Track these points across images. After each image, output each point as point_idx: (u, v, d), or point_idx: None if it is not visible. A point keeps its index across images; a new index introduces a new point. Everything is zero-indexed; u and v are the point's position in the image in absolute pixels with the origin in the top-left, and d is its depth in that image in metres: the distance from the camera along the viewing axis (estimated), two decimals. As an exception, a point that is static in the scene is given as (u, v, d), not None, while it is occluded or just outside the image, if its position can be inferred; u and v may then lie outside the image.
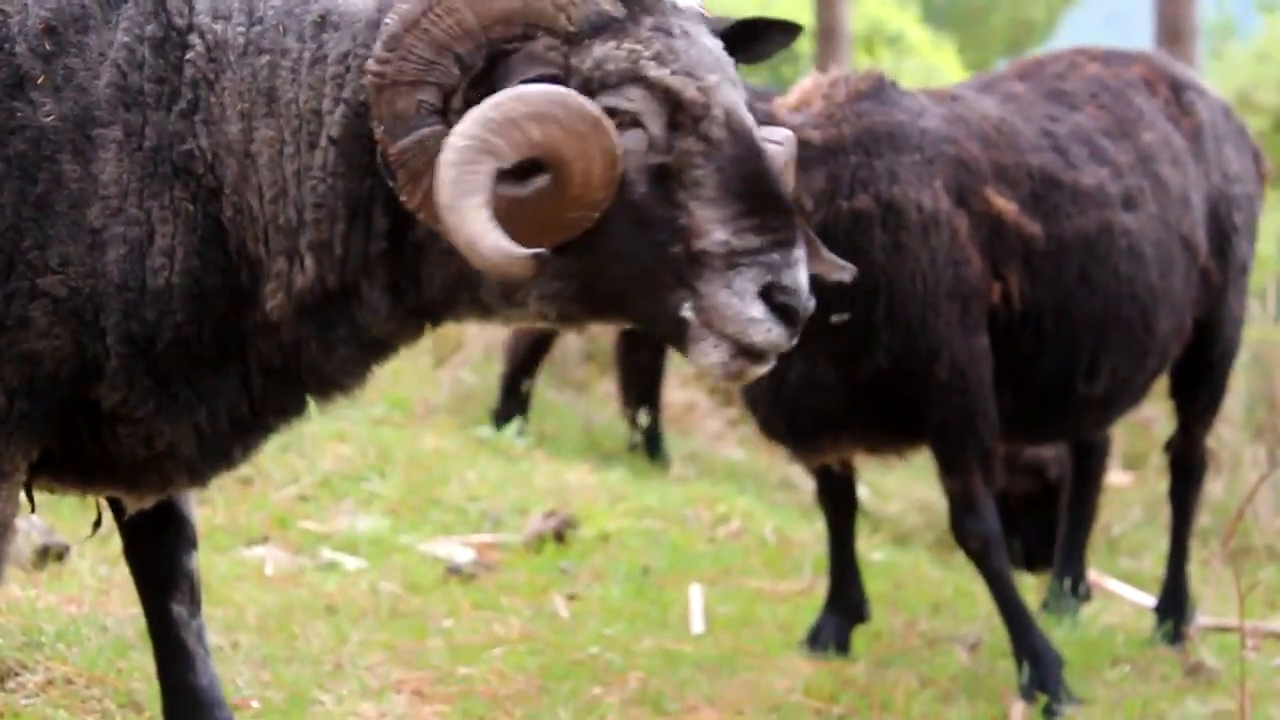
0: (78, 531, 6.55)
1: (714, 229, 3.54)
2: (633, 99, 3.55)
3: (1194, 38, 16.92)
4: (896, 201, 5.78)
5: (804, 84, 6.08)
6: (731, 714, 5.49)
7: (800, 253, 3.57)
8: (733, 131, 3.58)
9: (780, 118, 5.76)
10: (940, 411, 5.87)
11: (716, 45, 3.69)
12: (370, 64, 3.56)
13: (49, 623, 5.64)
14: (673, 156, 3.56)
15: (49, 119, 3.78)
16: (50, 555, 6.66)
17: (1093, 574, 7.28)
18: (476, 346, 11.73)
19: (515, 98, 3.46)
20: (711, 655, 6.13)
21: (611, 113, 3.50)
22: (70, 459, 4.02)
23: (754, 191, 3.58)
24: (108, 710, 5.07)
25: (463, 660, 5.77)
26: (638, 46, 3.55)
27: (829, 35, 20.03)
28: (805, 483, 10.39)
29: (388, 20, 3.56)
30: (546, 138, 3.46)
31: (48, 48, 3.81)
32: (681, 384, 12.80)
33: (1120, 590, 7.63)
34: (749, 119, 3.63)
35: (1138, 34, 17.89)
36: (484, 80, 3.56)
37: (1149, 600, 7.36)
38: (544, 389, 11.31)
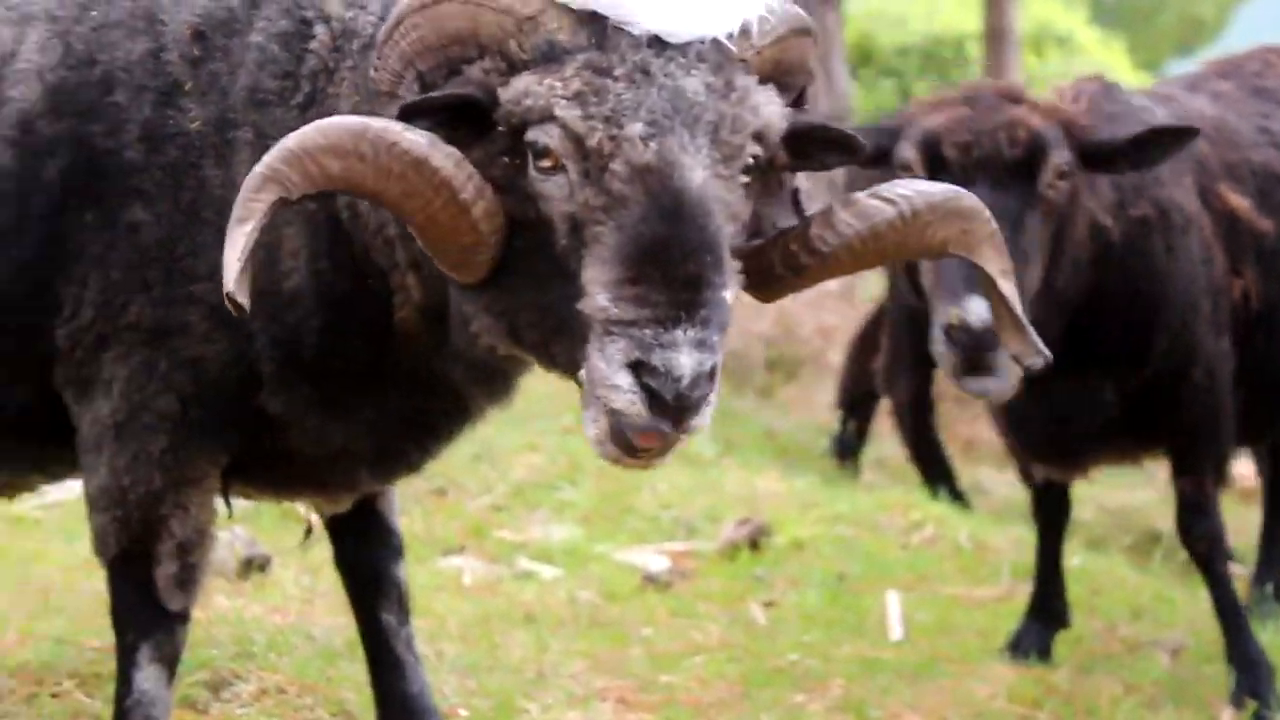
0: (279, 543, 6.69)
1: (596, 292, 3.18)
2: (551, 137, 3.24)
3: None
4: (1166, 205, 5.61)
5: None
6: (936, 719, 5.48)
7: (686, 335, 3.10)
8: (646, 190, 3.19)
9: None
10: (1189, 413, 5.78)
11: (695, 89, 3.27)
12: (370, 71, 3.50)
13: (258, 632, 5.74)
14: (577, 207, 3.24)
15: (195, 124, 3.86)
16: (254, 566, 6.78)
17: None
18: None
19: (316, 129, 3.28)
20: (911, 662, 6.10)
21: (535, 149, 3.26)
22: (257, 465, 4.11)
23: (647, 259, 3.15)
24: (320, 718, 5.17)
25: (663, 668, 5.79)
26: (557, 83, 3.23)
27: (997, 37, 19.79)
28: (997, 488, 10.35)
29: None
30: (349, 173, 3.28)
31: (196, 53, 3.89)
32: (863, 390, 12.75)
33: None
34: (687, 180, 3.19)
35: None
36: None
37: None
38: (727, 397, 11.32)
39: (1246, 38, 6.96)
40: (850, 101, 16.26)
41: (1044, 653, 6.23)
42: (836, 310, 13.13)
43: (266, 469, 4.15)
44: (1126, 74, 26.67)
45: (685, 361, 3.10)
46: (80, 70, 3.94)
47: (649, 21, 3.24)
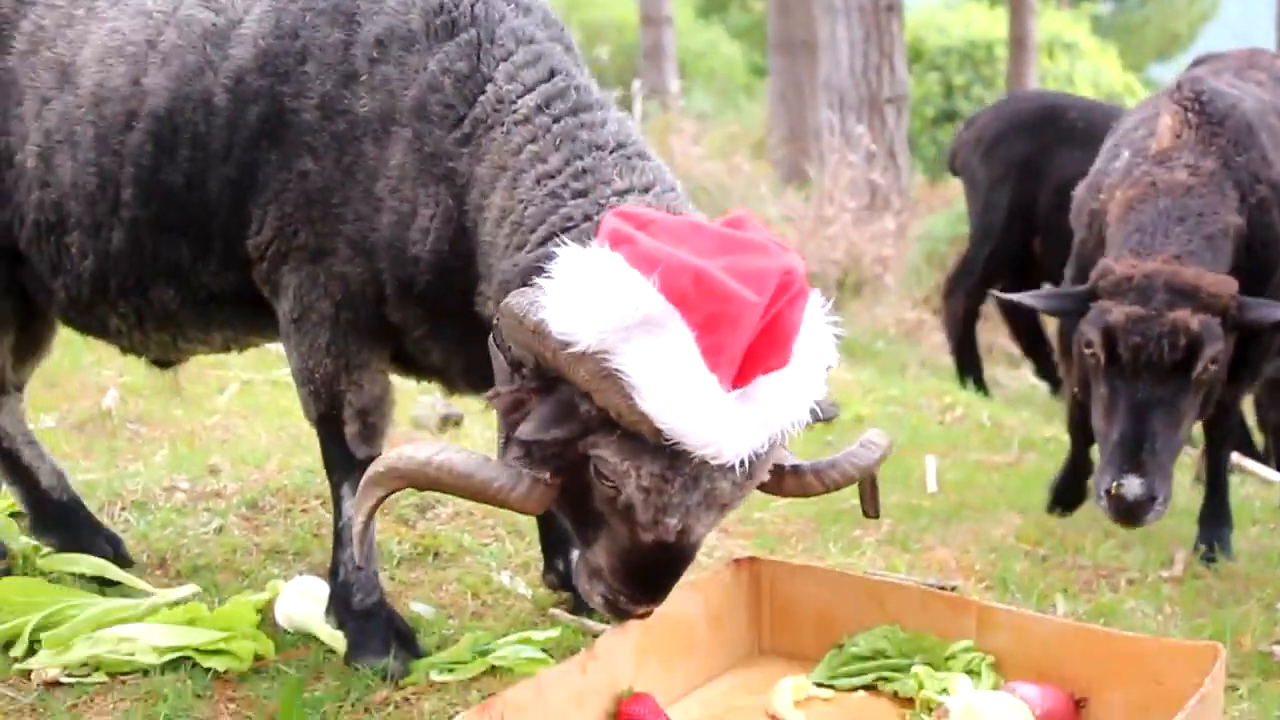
0: (469, 405, 6.71)
1: (600, 556, 3.43)
2: (616, 487, 3.29)
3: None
4: (1276, 180, 5.14)
5: (1162, 129, 5.20)
6: (960, 552, 5.41)
7: (645, 608, 3.48)
8: (660, 547, 3.33)
9: (1165, 153, 5.11)
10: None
11: (724, 489, 3.28)
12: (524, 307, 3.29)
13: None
14: (616, 515, 3.34)
15: (364, 109, 3.82)
16: (449, 421, 6.82)
17: (1234, 456, 6.93)
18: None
19: (398, 458, 3.31)
20: (943, 508, 6.04)
21: (600, 475, 3.29)
22: (404, 360, 4.11)
23: (639, 575, 3.40)
24: (499, 535, 5.19)
25: (756, 508, 5.75)
26: (632, 473, 3.23)
27: (1019, 43, 19.44)
28: (1010, 382, 10.24)
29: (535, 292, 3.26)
30: (425, 481, 3.31)
31: (374, 55, 3.83)
32: (912, 306, 12.65)
33: (1255, 468, 7.28)
34: (689, 541, 3.35)
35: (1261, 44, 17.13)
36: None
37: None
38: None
39: (1213, 49, 6.64)
40: (906, 88, 15.97)
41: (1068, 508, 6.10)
42: (893, 245, 13.02)
43: (412, 364, 4.14)
44: (1119, 75, 26.18)
45: (640, 614, 3.53)
46: (285, 41, 3.93)
47: (705, 450, 3.19)
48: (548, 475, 3.32)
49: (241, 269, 4.05)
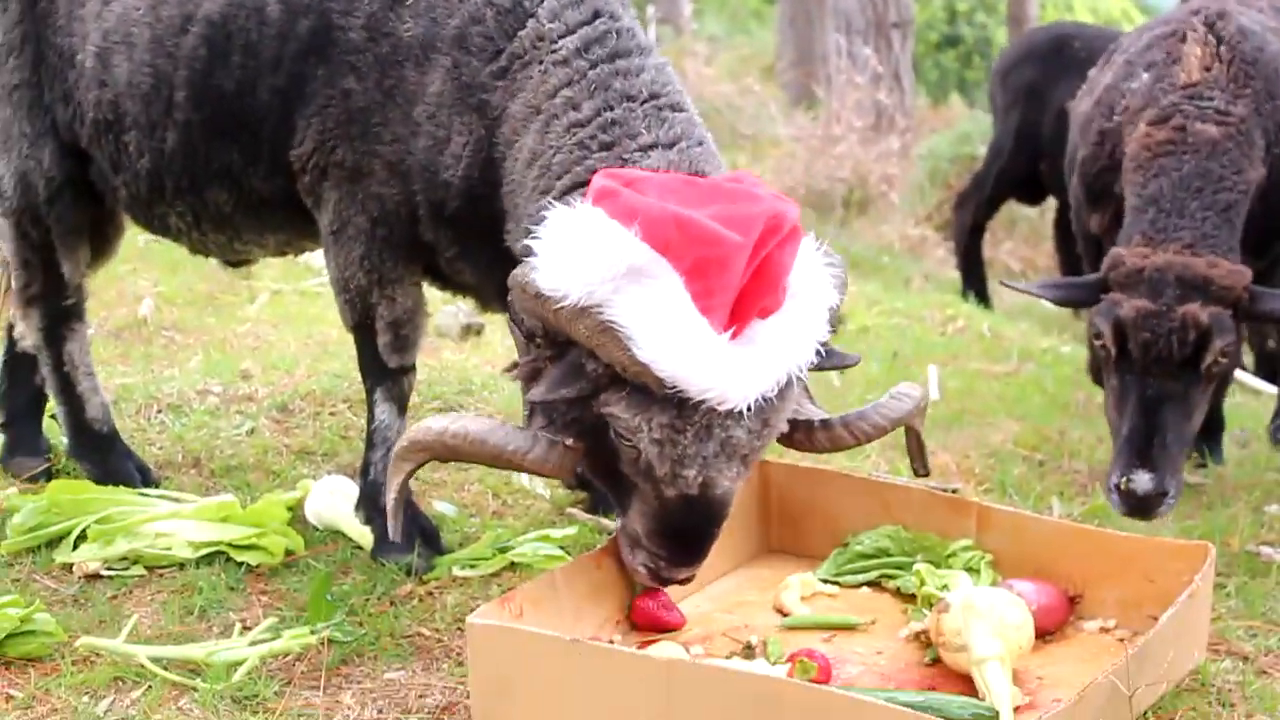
0: (490, 316, 6.68)
1: (635, 522, 3.39)
2: (633, 443, 3.24)
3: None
4: None
5: (1188, 58, 4.84)
6: (960, 457, 5.39)
7: (685, 570, 3.43)
8: (687, 502, 3.28)
9: (1195, 88, 4.76)
10: None
11: (739, 437, 3.23)
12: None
13: (475, 376, 5.76)
14: (641, 476, 3.30)
15: (408, 34, 3.75)
16: (471, 331, 6.80)
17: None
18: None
19: (421, 431, 3.34)
20: (945, 416, 6.01)
21: (618, 432, 3.25)
22: (439, 275, 4.08)
23: (674, 535, 3.36)
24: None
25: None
26: (644, 425, 3.19)
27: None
28: (1010, 294, 10.18)
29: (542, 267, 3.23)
30: (447, 450, 3.34)
31: None
32: (915, 223, 12.57)
33: (1244, 378, 7.21)
34: (715, 494, 3.28)
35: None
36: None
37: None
38: (816, 223, 11.18)
39: None
40: (912, 13, 15.84)
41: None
42: (898, 165, 12.92)
43: (447, 280, 4.12)
44: (1130, 7, 25.81)
45: (681, 579, 3.47)
46: None
47: (707, 394, 3.14)
48: (568, 440, 3.31)
49: (288, 178, 4.03)
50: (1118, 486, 4.34)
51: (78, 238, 4.53)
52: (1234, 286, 4.40)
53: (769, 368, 3.19)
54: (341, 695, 3.49)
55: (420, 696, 3.49)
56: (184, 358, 6.15)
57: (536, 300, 3.21)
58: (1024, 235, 12.54)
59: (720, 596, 3.94)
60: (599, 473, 3.46)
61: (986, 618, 3.39)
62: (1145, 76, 4.97)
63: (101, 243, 4.69)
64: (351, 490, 4.31)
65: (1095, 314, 4.54)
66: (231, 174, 4.13)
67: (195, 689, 3.46)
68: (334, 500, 4.33)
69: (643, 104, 3.52)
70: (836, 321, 3.44)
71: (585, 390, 3.24)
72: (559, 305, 3.16)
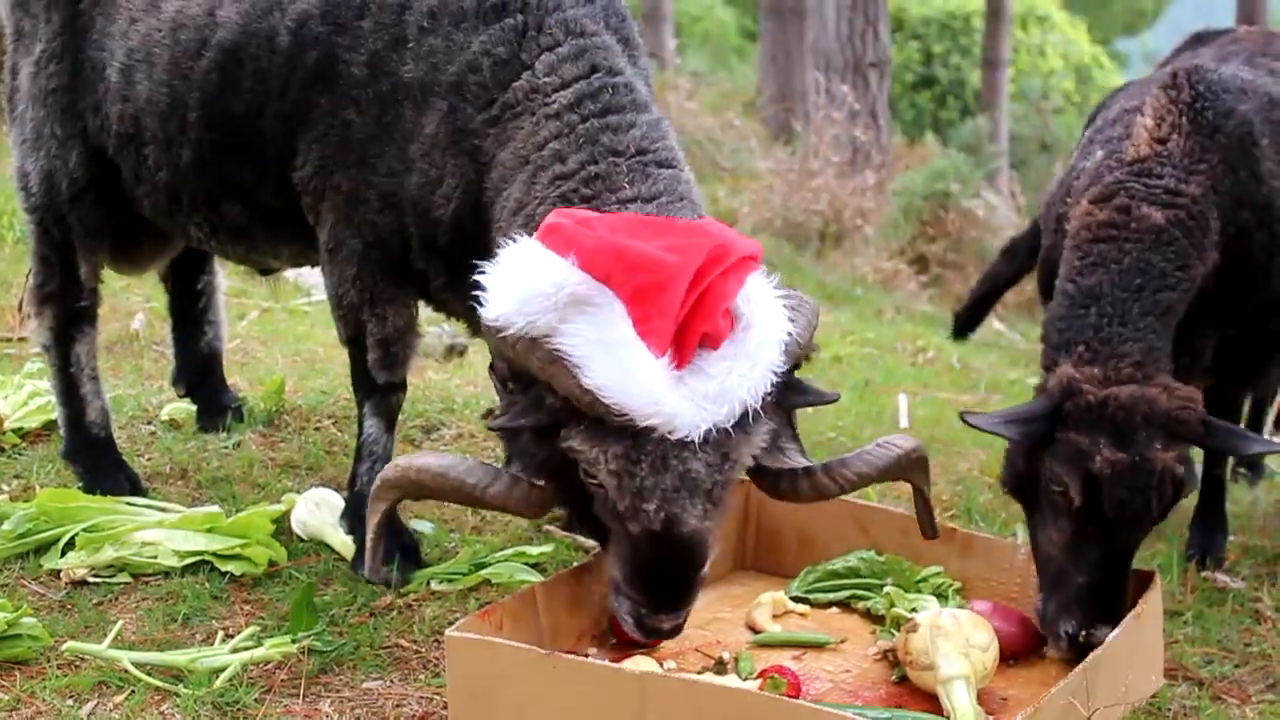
0: (474, 337, 6.68)
1: (614, 569, 3.33)
2: (594, 480, 3.21)
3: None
4: (1263, 202, 4.29)
5: (1139, 130, 4.29)
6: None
7: (668, 616, 3.30)
8: (653, 542, 3.20)
9: (1144, 164, 4.19)
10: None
11: (698, 471, 3.15)
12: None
13: (458, 396, 5.76)
14: (611, 518, 3.26)
15: (408, 75, 3.77)
16: (455, 351, 6.80)
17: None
18: (747, 221, 11.66)
19: (393, 469, 3.34)
20: (914, 443, 6.03)
21: (584, 473, 3.22)
22: (429, 298, 4.10)
23: (648, 579, 3.27)
24: (499, 457, 5.16)
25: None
26: (601, 458, 3.15)
27: (996, 15, 19.32)
28: (979, 328, 10.21)
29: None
30: (417, 489, 3.34)
31: (425, 24, 3.76)
32: (889, 256, 12.62)
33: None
34: (682, 533, 3.18)
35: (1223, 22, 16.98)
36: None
37: None
38: (791, 255, 11.24)
39: (1177, 25, 6.40)
40: (889, 53, 15.90)
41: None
42: (873, 199, 12.99)
43: (440, 304, 4.13)
44: (1087, 48, 25.95)
45: (666, 629, 3.33)
46: None
47: (652, 420, 3.11)
48: (535, 480, 3.29)
49: (295, 195, 4.06)
50: (1069, 635, 3.69)
51: (97, 241, 4.58)
52: (1190, 420, 3.79)
53: (719, 397, 3.14)
54: (320, 703, 3.47)
55: (397, 706, 3.48)
56: (172, 373, 6.11)
57: (499, 339, 3.23)
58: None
59: (694, 613, 3.92)
60: (581, 520, 3.45)
61: (953, 638, 3.40)
62: (1099, 154, 4.42)
63: (134, 250, 4.78)
64: (336, 503, 4.31)
65: (1055, 458, 3.78)
66: (243, 190, 4.17)
67: (177, 694, 3.45)
68: (318, 512, 4.32)
69: (629, 159, 3.50)
70: (803, 355, 3.41)
71: (544, 421, 3.22)
72: (503, 335, 3.18)
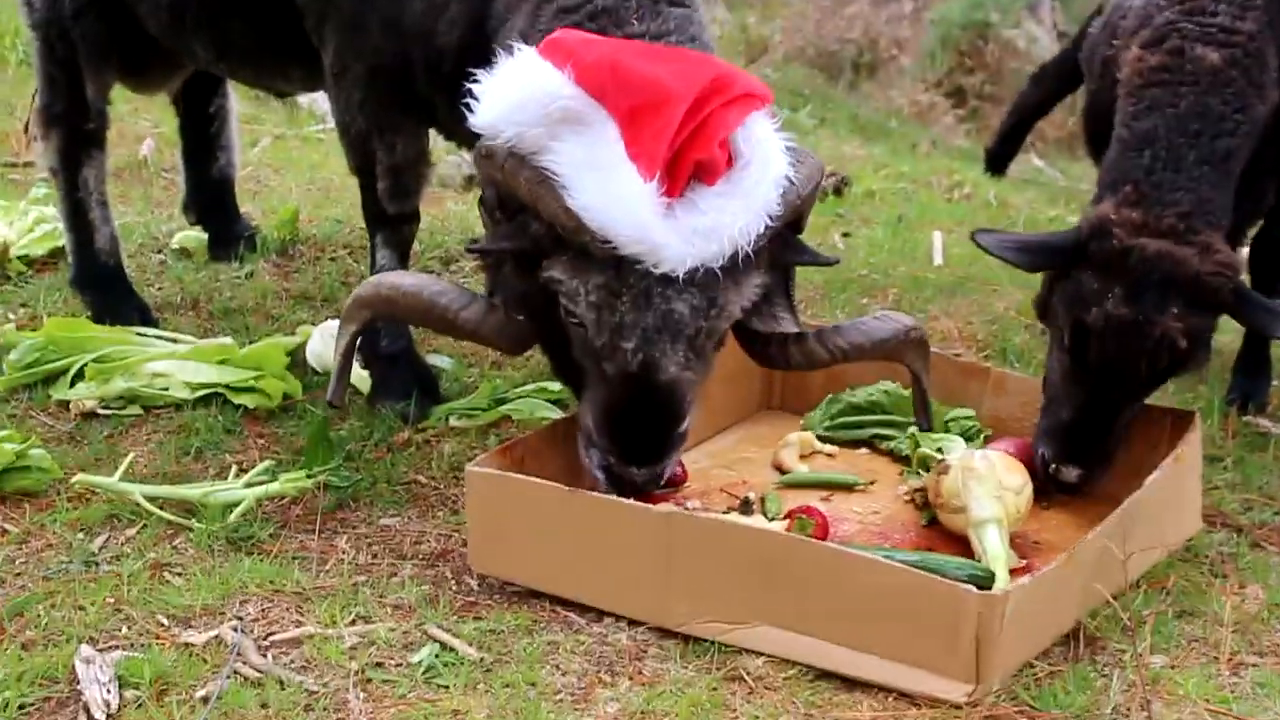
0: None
1: (586, 415, 3.20)
2: (574, 315, 3.11)
3: None
4: None
5: None
6: (963, 323, 5.33)
7: (641, 470, 3.15)
8: (628, 387, 3.09)
9: (1196, 3, 4.00)
10: None
11: (682, 312, 3.05)
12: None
13: (478, 227, 5.66)
14: (589, 357, 3.15)
15: None
16: (474, 182, 6.70)
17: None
18: (779, 50, 11.46)
19: (365, 287, 3.31)
20: (948, 281, 5.94)
21: (564, 309, 3.12)
22: (440, 126, 4.02)
23: (622, 427, 3.14)
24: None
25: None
26: (581, 289, 3.06)
27: None
28: (1016, 163, 10.05)
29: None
30: (389, 309, 3.31)
31: None
32: (925, 88, 12.40)
33: None
34: (661, 379, 3.07)
35: None
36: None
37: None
38: (824, 85, 11.06)
39: None
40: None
41: None
42: (910, 28, 12.72)
43: (449, 132, 4.05)
44: None
45: (639, 480, 3.17)
46: None
47: (637, 249, 2.98)
48: (510, 309, 3.22)
49: (298, 15, 3.95)
50: (1043, 459, 3.72)
51: (103, 59, 4.49)
52: (1221, 288, 3.66)
53: (710, 233, 3.04)
54: (336, 540, 3.47)
55: (415, 543, 3.48)
56: (182, 200, 6.05)
57: (486, 160, 3.14)
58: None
59: (719, 453, 3.91)
60: (557, 366, 3.39)
61: (986, 480, 3.37)
62: None
63: (145, 68, 4.69)
64: (351, 335, 4.26)
65: (1062, 296, 3.75)
66: (247, 9, 4.08)
67: (190, 529, 3.45)
68: (333, 345, 4.28)
69: None
70: (802, 209, 3.26)
71: (526, 247, 3.13)
72: (491, 154, 3.10)
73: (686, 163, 3.03)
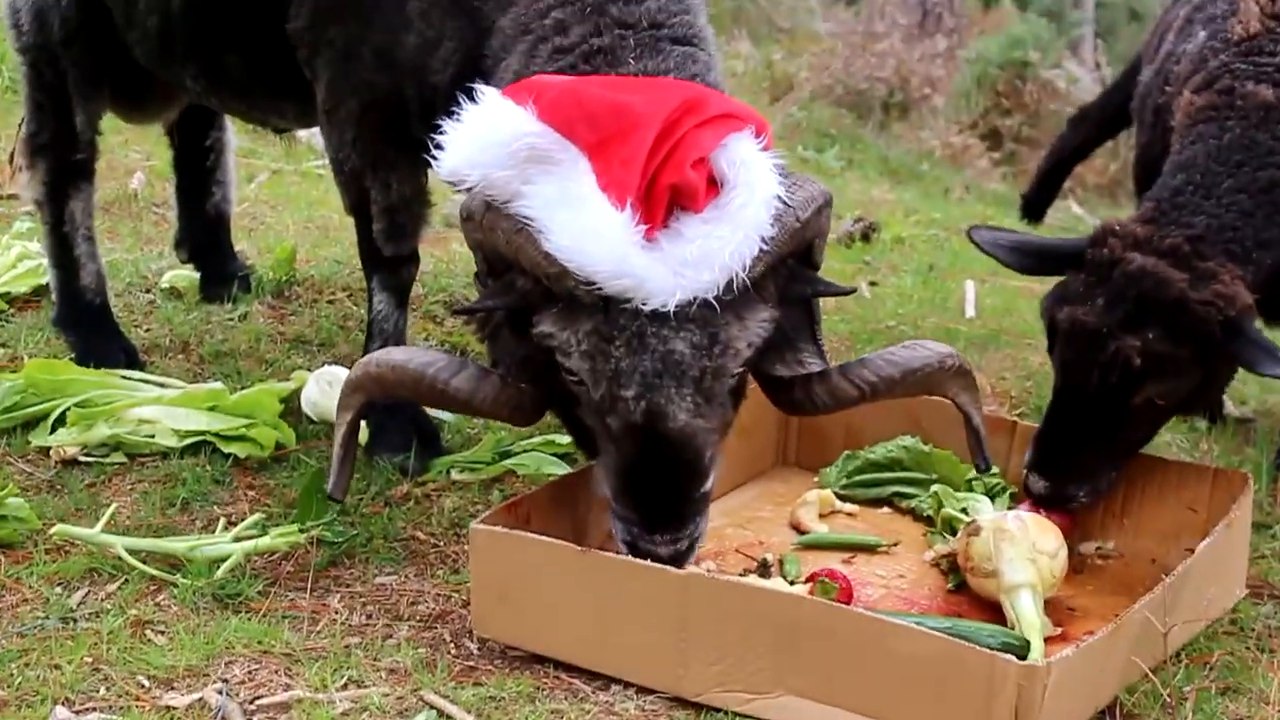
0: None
1: (603, 483, 3.20)
2: (572, 371, 3.09)
3: None
4: None
5: (1248, 4, 4.18)
6: (996, 378, 5.34)
7: (664, 538, 3.11)
8: (635, 440, 3.06)
9: (1253, 42, 4.10)
10: None
11: (682, 352, 3.02)
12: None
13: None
14: (594, 418, 3.15)
15: None
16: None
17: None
18: (805, 88, 11.52)
19: (356, 369, 3.32)
20: (980, 334, 5.96)
21: (564, 368, 3.11)
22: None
23: (636, 487, 3.12)
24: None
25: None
26: (572, 339, 3.04)
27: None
28: (1055, 212, 10.07)
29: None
30: (383, 388, 3.29)
31: None
32: (959, 130, 12.45)
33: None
34: (669, 427, 3.03)
35: None
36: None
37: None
38: (852, 125, 11.11)
39: None
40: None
41: None
42: (944, 66, 12.80)
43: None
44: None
45: (663, 554, 3.12)
46: None
47: (638, 291, 2.98)
48: (518, 381, 3.22)
49: (291, 49, 3.99)
50: (1026, 465, 3.82)
51: (94, 86, 4.53)
52: (1209, 318, 3.68)
53: (699, 262, 3.00)
54: (329, 598, 3.48)
55: (412, 604, 3.48)
56: (174, 236, 6.09)
57: (469, 223, 3.17)
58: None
59: (733, 511, 3.92)
60: (572, 432, 3.37)
61: (1019, 543, 3.36)
62: (1201, 35, 4.33)
63: (140, 98, 4.73)
64: (348, 382, 4.28)
65: (1049, 293, 3.92)
66: (239, 40, 4.12)
67: (174, 585, 3.45)
68: (330, 392, 4.29)
69: (639, 33, 3.35)
70: (805, 236, 3.21)
71: (514, 301, 3.14)
72: (470, 216, 3.13)
73: (662, 189, 3.03)
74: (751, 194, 3.07)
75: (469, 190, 3.14)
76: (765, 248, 3.08)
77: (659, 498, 3.13)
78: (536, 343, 3.13)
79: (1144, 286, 3.69)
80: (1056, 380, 3.83)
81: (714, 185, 3.09)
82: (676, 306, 3.00)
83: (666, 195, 3.03)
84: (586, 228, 2.97)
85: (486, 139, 3.08)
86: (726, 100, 3.21)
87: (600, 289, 2.99)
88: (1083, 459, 3.75)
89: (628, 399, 3.03)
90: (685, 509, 3.14)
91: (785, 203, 3.14)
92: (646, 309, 2.99)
